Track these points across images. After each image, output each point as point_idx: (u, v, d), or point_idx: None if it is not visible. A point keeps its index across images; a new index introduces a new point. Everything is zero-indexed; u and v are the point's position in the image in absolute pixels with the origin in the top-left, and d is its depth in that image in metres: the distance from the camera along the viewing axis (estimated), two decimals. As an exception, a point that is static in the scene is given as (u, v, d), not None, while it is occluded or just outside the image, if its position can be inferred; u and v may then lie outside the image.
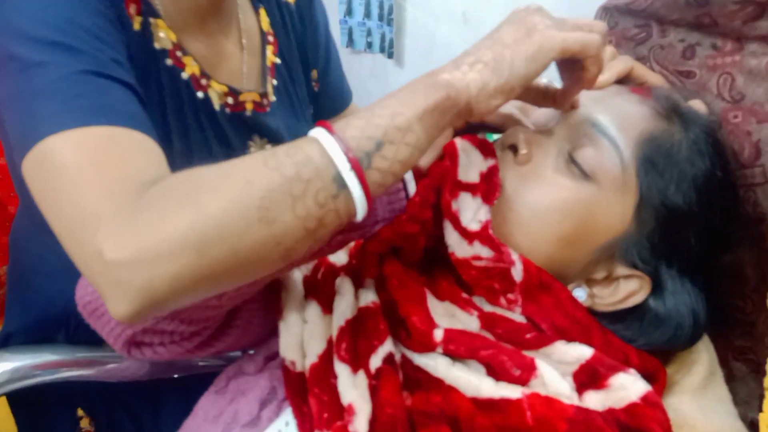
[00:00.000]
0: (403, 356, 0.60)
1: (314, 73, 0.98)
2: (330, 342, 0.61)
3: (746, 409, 0.67)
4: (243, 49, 0.84)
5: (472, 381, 0.56)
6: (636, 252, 0.59)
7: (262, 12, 0.88)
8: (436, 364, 0.58)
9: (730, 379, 0.67)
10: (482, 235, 0.59)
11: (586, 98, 0.63)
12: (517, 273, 0.59)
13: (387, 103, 0.52)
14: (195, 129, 0.78)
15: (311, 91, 0.99)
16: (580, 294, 0.61)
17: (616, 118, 0.60)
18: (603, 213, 0.59)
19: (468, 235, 0.59)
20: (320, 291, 0.65)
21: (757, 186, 0.67)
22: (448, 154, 0.61)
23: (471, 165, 0.60)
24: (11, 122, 0.58)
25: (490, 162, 0.61)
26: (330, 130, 0.50)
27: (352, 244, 0.67)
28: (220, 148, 0.81)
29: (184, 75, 0.76)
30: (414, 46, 1.90)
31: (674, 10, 0.75)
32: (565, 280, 0.62)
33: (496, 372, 0.57)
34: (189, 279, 0.46)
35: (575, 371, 0.57)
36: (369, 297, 0.62)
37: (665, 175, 0.59)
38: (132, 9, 0.71)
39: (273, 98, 0.87)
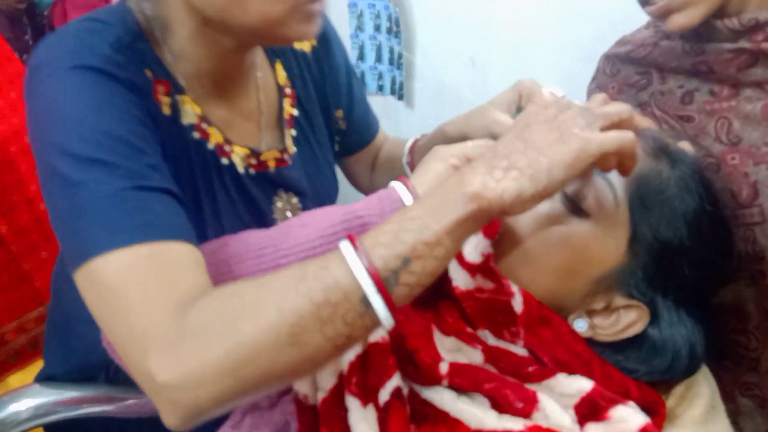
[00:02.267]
0: (411, 390, 0.62)
1: (339, 113, 1.00)
2: (341, 376, 0.63)
3: (753, 444, 0.68)
4: (260, 106, 0.87)
5: (476, 414, 0.58)
6: (632, 283, 0.61)
7: (279, 66, 0.91)
8: (442, 398, 0.60)
9: (737, 414, 0.68)
10: (484, 268, 0.61)
11: None
12: (517, 304, 0.61)
13: (415, 213, 0.53)
14: (222, 194, 0.81)
15: (337, 130, 1.01)
16: (581, 324, 0.63)
17: None
18: (598, 246, 0.62)
19: (471, 268, 0.61)
20: None
21: (756, 225, 0.69)
22: None
23: None
24: (59, 233, 0.62)
25: None
26: (357, 248, 0.52)
27: None
28: (247, 208, 0.84)
29: (210, 145, 0.79)
30: (423, 89, 1.93)
31: (672, 58, 0.78)
32: (565, 311, 0.63)
33: (499, 405, 0.59)
34: (229, 397, 0.52)
35: (576, 404, 0.58)
36: (378, 332, 0.64)
37: (655, 211, 0.61)
38: (161, 92, 0.74)
39: (293, 149, 0.89)
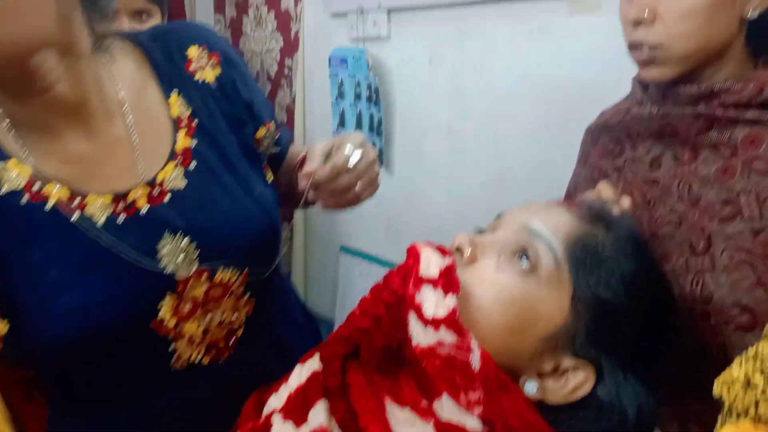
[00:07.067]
0: None
1: (263, 130, 0.95)
2: None
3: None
4: (133, 145, 0.80)
5: None
6: (578, 342, 0.65)
7: (173, 98, 0.85)
8: None
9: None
10: (449, 320, 0.63)
11: (524, 212, 0.72)
12: (475, 360, 0.62)
13: None
14: (73, 258, 0.72)
15: (271, 144, 0.98)
16: (531, 386, 0.65)
17: (549, 224, 0.68)
18: (542, 305, 0.65)
19: (435, 323, 0.63)
20: None
21: (706, 271, 0.78)
22: (411, 255, 0.69)
23: (431, 263, 0.67)
24: None
25: (448, 260, 0.67)
26: None
27: (292, 389, 0.72)
28: (113, 264, 0.73)
29: (47, 207, 0.72)
30: (402, 155, 2.00)
31: (641, 123, 0.88)
32: (516, 372, 0.66)
33: None
34: None
35: None
36: (318, 419, 0.67)
37: (594, 272, 0.65)
38: None
39: (180, 184, 0.81)
